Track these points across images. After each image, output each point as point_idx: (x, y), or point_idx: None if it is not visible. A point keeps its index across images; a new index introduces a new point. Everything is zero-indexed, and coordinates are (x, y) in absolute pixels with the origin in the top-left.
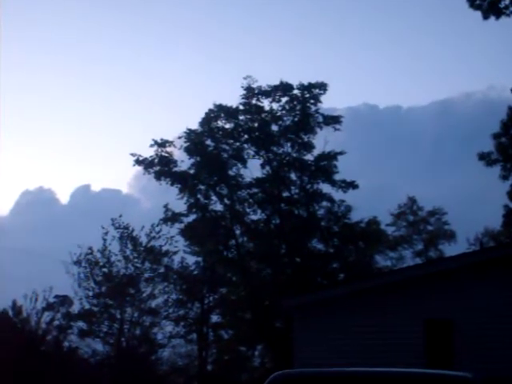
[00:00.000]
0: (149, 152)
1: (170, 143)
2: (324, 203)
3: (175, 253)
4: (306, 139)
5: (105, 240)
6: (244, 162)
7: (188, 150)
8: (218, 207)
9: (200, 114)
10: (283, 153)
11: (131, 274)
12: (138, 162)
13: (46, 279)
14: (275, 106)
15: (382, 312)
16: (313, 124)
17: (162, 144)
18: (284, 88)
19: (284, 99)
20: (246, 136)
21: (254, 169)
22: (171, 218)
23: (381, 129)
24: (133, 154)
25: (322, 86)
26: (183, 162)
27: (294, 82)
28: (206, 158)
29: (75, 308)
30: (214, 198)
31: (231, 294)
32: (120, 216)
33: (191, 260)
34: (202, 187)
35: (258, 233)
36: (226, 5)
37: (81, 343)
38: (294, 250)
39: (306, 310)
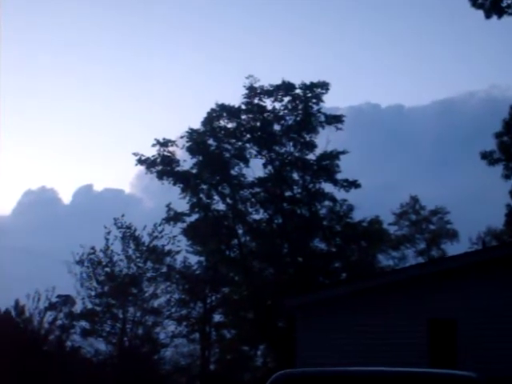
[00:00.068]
0: (151, 151)
1: (173, 143)
2: (326, 202)
3: (177, 252)
4: (308, 138)
5: (107, 240)
6: (246, 162)
7: (190, 150)
8: (221, 207)
9: (202, 114)
10: (285, 152)
11: (133, 274)
12: (141, 161)
13: (48, 279)
14: (277, 105)
15: (384, 311)
16: (315, 123)
17: (165, 143)
18: (286, 87)
19: (286, 99)
20: (248, 135)
21: (256, 168)
22: (173, 217)
23: (383, 128)
24: (135, 154)
25: (324, 86)
26: (185, 161)
27: (296, 82)
28: (208, 158)
29: (78, 308)
30: (216, 197)
31: (233, 294)
32: (122, 216)
33: (193, 259)
34: (205, 187)
35: (260, 232)
36: (226, 5)
37: (83, 343)
38: (297, 249)
39: (308, 310)
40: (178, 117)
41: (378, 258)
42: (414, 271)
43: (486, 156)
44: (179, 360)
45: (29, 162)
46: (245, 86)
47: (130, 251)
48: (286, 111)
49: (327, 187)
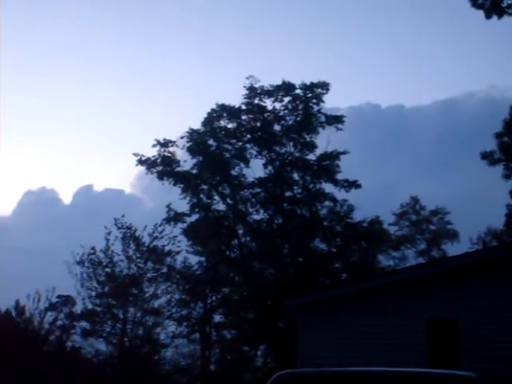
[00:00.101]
0: (151, 152)
1: (173, 143)
2: (326, 203)
3: (178, 253)
4: (308, 139)
5: (107, 240)
6: (246, 162)
7: (190, 150)
8: (221, 207)
9: (202, 114)
10: (286, 152)
11: (134, 274)
12: (141, 161)
13: (48, 279)
14: (277, 105)
15: (384, 312)
16: (315, 124)
17: (165, 144)
18: (286, 88)
19: (286, 99)
20: (248, 136)
21: (256, 168)
22: (174, 217)
23: (383, 128)
24: (135, 154)
25: (325, 86)
26: (186, 161)
27: (296, 82)
28: (208, 158)
29: (78, 308)
30: (216, 197)
31: (234, 294)
32: (123, 216)
33: (194, 260)
34: (205, 187)
35: (260, 232)
36: (226, 5)
37: (84, 343)
38: (297, 249)
39: (308, 310)
40: (178, 117)
41: (378, 258)
42: (414, 271)
43: (486, 156)
44: (179, 360)
45: (29, 162)
46: (245, 87)
47: (131, 251)
48: (286, 111)
49: (327, 187)
